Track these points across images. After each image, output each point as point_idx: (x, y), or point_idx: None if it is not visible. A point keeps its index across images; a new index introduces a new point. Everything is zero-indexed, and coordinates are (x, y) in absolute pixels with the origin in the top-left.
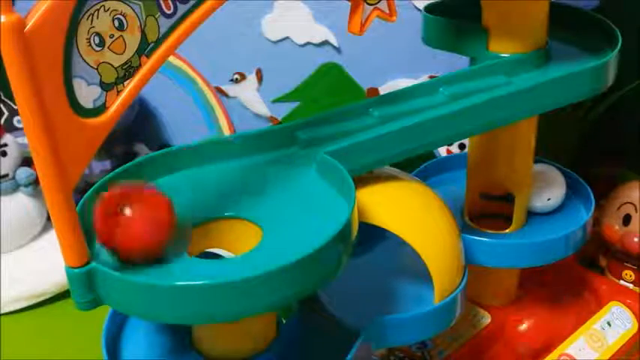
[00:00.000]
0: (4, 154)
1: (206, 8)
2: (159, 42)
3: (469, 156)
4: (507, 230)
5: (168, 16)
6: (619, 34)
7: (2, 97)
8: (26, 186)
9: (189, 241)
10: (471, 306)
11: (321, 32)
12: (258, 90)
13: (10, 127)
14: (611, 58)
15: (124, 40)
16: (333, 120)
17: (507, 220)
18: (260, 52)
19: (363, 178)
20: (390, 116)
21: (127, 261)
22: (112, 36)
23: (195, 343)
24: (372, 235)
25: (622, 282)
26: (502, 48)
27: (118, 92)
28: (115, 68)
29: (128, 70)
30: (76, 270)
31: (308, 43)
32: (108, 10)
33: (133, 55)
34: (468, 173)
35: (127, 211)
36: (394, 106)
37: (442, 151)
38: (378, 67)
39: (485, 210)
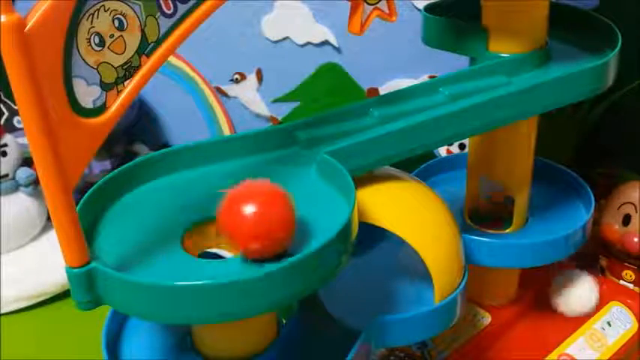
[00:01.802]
0: (4, 154)
1: (206, 8)
2: (159, 42)
3: (469, 156)
4: (507, 230)
5: (169, 16)
6: (619, 34)
7: (2, 97)
8: (26, 186)
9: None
10: (471, 306)
11: (321, 32)
12: (258, 90)
13: (10, 127)
14: (611, 58)
15: (124, 40)
16: (333, 120)
17: (507, 221)
18: (260, 52)
19: (363, 178)
20: (390, 116)
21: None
22: (112, 36)
23: (195, 343)
24: (372, 235)
25: (622, 282)
26: (502, 48)
27: (118, 92)
28: (115, 68)
29: (128, 70)
30: (76, 270)
31: (308, 43)
32: (108, 10)
33: (133, 55)
34: (468, 173)
35: (249, 209)
36: (394, 106)
37: (442, 151)
38: (378, 67)
39: (485, 210)
